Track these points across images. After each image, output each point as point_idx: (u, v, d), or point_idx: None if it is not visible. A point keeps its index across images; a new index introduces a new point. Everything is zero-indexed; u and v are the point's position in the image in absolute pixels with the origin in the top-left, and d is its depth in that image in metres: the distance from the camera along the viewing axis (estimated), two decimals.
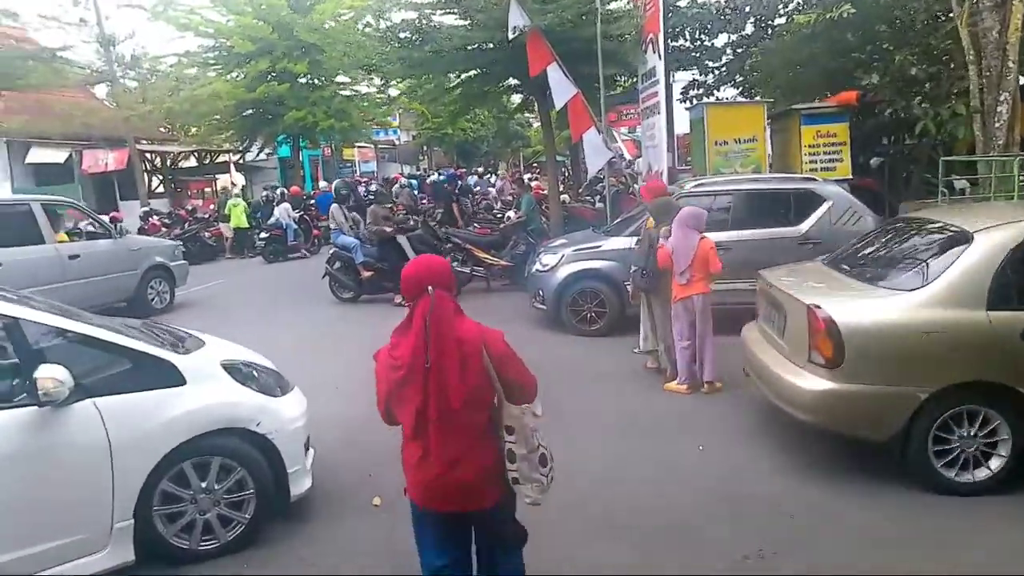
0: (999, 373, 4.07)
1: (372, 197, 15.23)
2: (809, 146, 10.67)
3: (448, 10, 12.66)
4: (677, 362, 6.23)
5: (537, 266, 8.76)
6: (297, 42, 21.37)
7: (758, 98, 13.74)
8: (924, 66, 10.10)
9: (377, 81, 21.01)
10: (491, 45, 12.38)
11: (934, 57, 10.29)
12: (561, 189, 16.38)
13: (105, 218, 12.29)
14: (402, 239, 10.84)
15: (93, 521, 3.45)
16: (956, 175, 9.46)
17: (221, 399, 3.89)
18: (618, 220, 9.63)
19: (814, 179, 8.41)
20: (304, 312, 10.55)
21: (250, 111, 22.75)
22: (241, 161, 26.76)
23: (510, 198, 17.30)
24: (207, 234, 18.21)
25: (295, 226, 17.46)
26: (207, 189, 24.87)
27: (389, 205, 13.25)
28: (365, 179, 28.93)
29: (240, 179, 25.93)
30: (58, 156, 19.63)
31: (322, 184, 23.95)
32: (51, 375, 3.21)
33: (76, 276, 9.64)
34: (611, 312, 8.15)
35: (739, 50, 15.46)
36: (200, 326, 5.96)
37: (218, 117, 22.34)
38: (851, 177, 10.23)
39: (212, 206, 21.41)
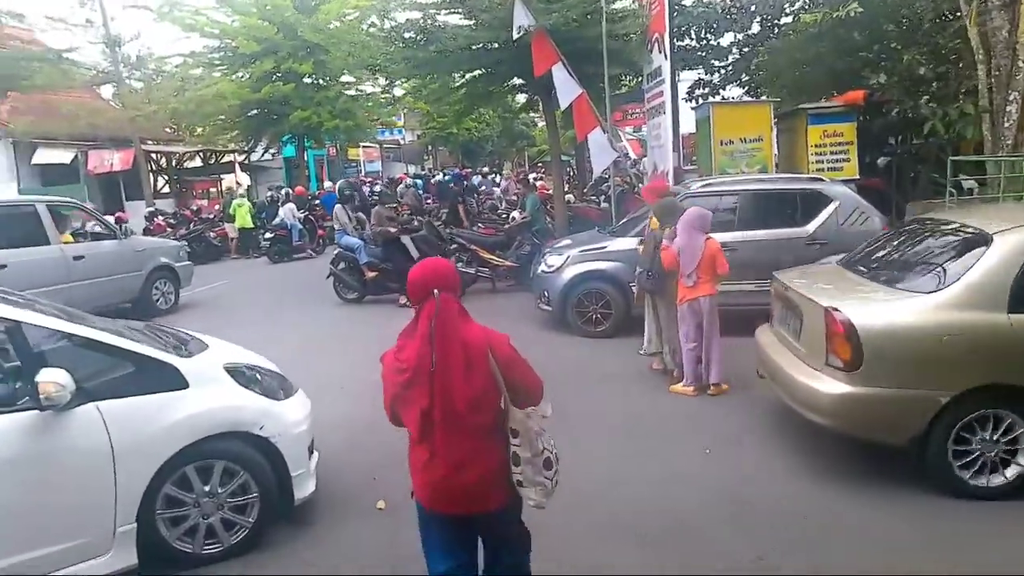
0: (1020, 376, 4.01)
1: (377, 197, 15.21)
2: (816, 146, 10.64)
3: (453, 10, 12.64)
4: (683, 364, 6.19)
5: (542, 267, 8.73)
6: (302, 42, 21.40)
7: (764, 97, 13.71)
8: (932, 65, 10.06)
9: (382, 81, 20.90)
10: (496, 45, 12.36)
11: (942, 56, 10.23)
12: (566, 189, 16.38)
13: (110, 219, 12.30)
14: (406, 239, 10.81)
15: (96, 525, 3.43)
16: (964, 175, 9.41)
17: (224, 403, 3.87)
18: (623, 220, 9.60)
19: (821, 179, 8.35)
20: (309, 313, 10.54)
21: (255, 111, 22.79)
22: (246, 161, 26.80)
23: (515, 198, 17.29)
24: (212, 234, 18.24)
25: (300, 226, 17.45)
26: (212, 189, 24.90)
27: (393, 205, 13.22)
28: (370, 179, 28.95)
29: (245, 179, 25.94)
30: (64, 156, 19.70)
31: (327, 184, 24.01)
32: (53, 379, 3.19)
33: (81, 277, 9.62)
34: (617, 313, 8.12)
35: (745, 49, 15.42)
36: (205, 327, 5.95)
37: (223, 117, 22.36)
38: (858, 177, 10.18)
39: (217, 206, 21.41)
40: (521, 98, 19.58)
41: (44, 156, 19.39)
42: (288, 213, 17.28)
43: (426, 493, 2.64)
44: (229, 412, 3.87)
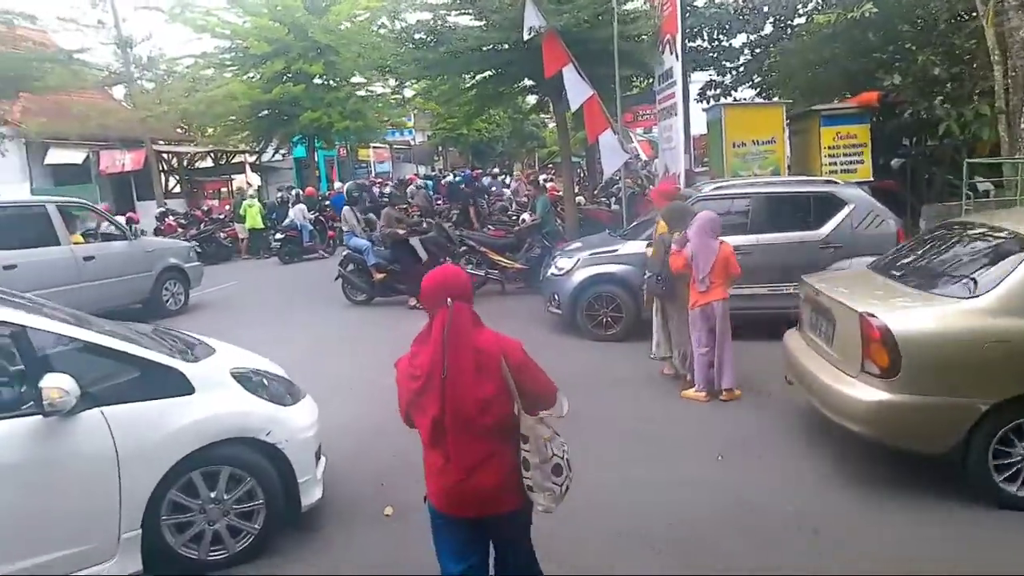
0: None
1: (387, 199, 15.19)
2: (829, 148, 10.53)
3: (463, 11, 12.62)
4: (695, 369, 6.11)
5: (552, 270, 8.67)
6: (312, 43, 21.43)
7: (777, 99, 13.60)
8: (947, 66, 9.95)
9: (392, 82, 21.03)
10: (506, 46, 12.34)
11: (957, 57, 10.12)
12: (576, 191, 16.30)
13: (120, 219, 12.34)
14: (415, 241, 10.77)
15: (100, 531, 3.41)
16: (980, 177, 9.30)
17: (230, 408, 3.84)
18: (634, 223, 9.52)
19: (835, 182, 8.24)
20: (318, 314, 10.52)
21: (266, 112, 22.83)
22: (257, 162, 26.90)
23: (525, 199, 17.20)
24: (222, 235, 18.30)
25: (310, 227, 17.49)
26: (223, 189, 24.97)
27: (403, 207, 13.20)
28: (380, 180, 28.96)
29: (255, 180, 26.00)
30: (76, 157, 19.82)
31: (337, 185, 24.04)
32: (56, 385, 3.17)
33: (91, 278, 9.65)
34: (627, 317, 8.04)
35: (757, 50, 15.30)
36: (214, 328, 5.95)
37: (234, 118, 22.46)
38: (871, 179, 10.07)
39: (228, 207, 21.49)
40: (531, 99, 19.55)
41: (56, 156, 19.51)
42: (299, 214, 17.32)
43: (440, 497, 2.68)
44: (235, 418, 3.84)
